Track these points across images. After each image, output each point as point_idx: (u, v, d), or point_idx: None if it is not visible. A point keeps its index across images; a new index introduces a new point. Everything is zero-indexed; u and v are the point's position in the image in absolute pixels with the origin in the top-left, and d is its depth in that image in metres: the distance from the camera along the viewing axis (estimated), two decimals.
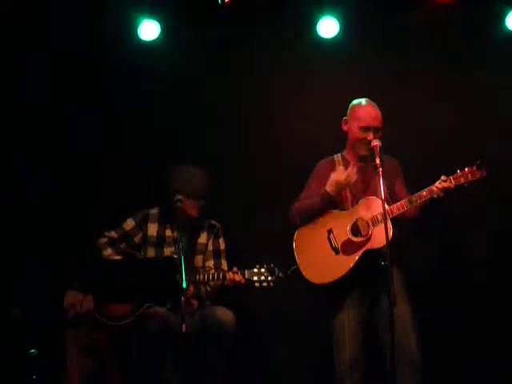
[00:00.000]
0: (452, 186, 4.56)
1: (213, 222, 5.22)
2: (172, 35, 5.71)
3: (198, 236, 5.15)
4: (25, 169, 5.62)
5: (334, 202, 4.70)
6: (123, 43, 5.67)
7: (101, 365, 4.90)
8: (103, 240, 5.08)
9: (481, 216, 5.57)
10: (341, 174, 4.64)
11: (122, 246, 5.09)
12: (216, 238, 5.19)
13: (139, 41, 5.67)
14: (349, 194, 4.73)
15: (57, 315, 4.96)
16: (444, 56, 5.70)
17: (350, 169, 4.65)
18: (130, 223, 5.12)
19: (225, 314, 4.89)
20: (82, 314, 4.88)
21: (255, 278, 4.83)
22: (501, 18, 5.67)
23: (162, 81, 5.74)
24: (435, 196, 4.56)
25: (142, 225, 5.11)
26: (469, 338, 5.51)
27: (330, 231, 4.68)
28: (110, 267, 4.67)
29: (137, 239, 5.11)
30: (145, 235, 5.10)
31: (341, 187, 4.66)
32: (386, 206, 4.49)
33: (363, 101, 4.81)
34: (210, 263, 5.14)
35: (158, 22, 5.63)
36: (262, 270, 4.85)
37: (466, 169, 4.58)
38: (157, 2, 5.59)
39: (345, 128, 4.82)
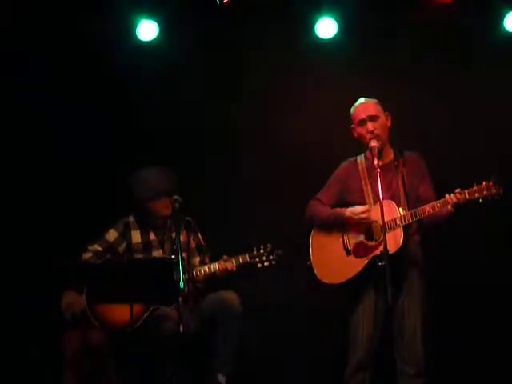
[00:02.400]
0: (463, 200, 4.44)
1: (186, 218, 5.16)
2: (171, 35, 5.71)
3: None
4: (24, 169, 5.62)
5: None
6: (122, 44, 5.68)
7: (98, 365, 4.89)
8: (87, 255, 5.04)
9: (481, 213, 5.56)
10: (364, 211, 4.60)
11: (108, 257, 5.04)
12: (195, 234, 5.17)
13: (138, 41, 5.66)
14: (370, 194, 4.68)
15: (55, 315, 4.96)
16: (442, 57, 5.71)
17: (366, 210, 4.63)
18: (112, 234, 5.08)
19: (229, 295, 4.88)
20: (78, 314, 4.87)
21: (257, 260, 4.87)
22: (499, 20, 5.66)
23: (160, 81, 5.75)
24: (446, 208, 4.47)
25: (125, 234, 5.09)
26: (470, 339, 5.52)
27: (345, 231, 4.69)
28: (103, 268, 4.66)
29: (121, 249, 5.08)
30: (129, 244, 5.08)
31: (358, 222, 4.63)
32: (402, 211, 4.52)
33: (356, 103, 4.79)
34: (196, 260, 5.13)
35: (157, 22, 5.63)
36: (261, 250, 4.88)
37: (484, 183, 4.45)
38: (155, 3, 5.59)
39: (355, 135, 4.78)
